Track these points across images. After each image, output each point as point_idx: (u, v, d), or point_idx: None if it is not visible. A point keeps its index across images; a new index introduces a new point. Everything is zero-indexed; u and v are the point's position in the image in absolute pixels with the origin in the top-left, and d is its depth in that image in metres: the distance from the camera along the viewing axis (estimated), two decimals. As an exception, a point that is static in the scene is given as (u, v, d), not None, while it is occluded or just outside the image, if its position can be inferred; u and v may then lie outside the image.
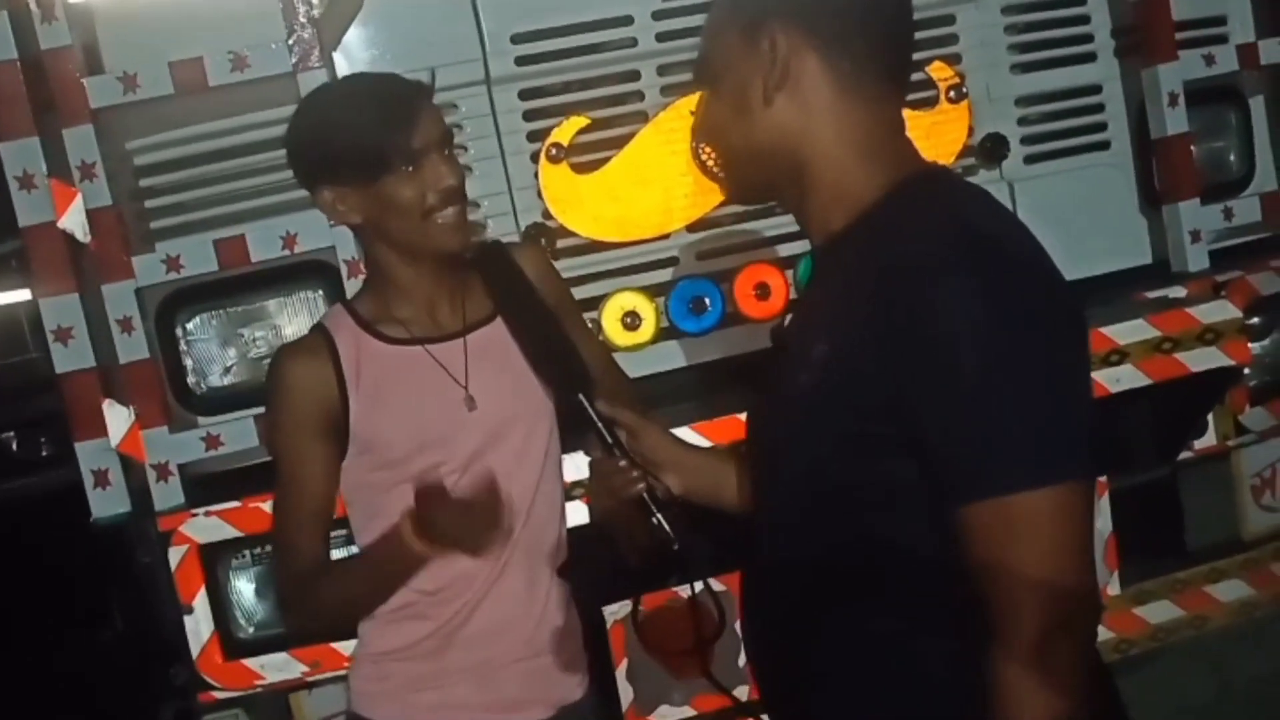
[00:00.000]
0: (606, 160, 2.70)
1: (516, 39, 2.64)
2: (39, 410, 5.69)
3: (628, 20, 2.67)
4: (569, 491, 2.09)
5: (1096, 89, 2.99)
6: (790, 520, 1.44)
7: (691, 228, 2.76)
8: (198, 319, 2.59)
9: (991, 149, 2.87)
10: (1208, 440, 2.85)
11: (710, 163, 2.60)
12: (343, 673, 2.22)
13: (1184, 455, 2.88)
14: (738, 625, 1.61)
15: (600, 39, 2.67)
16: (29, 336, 6.40)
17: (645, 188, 2.71)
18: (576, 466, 2.15)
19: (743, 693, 1.98)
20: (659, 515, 1.71)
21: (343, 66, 2.52)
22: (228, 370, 2.61)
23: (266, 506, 2.32)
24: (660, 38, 2.68)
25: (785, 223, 2.72)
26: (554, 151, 2.66)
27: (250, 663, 2.46)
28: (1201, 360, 2.69)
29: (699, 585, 1.82)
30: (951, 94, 2.81)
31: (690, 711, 2.57)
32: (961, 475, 1.26)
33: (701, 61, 1.49)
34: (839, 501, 1.36)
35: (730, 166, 1.50)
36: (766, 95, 1.39)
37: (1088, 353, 1.38)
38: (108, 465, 2.44)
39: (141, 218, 2.57)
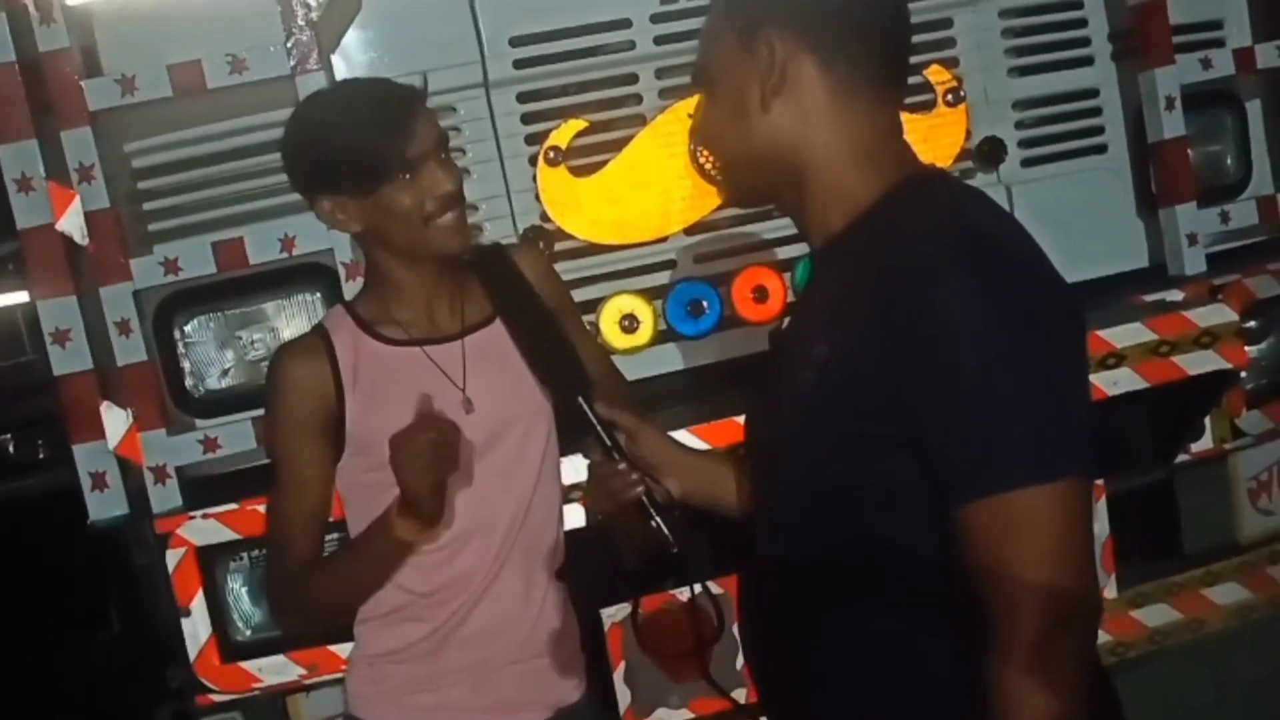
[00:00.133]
0: (605, 163, 2.70)
1: (515, 42, 2.64)
2: (36, 412, 5.70)
3: (626, 23, 2.67)
4: (567, 494, 2.09)
5: (1094, 92, 3.00)
6: (790, 520, 1.45)
7: (689, 231, 2.76)
8: (196, 321, 2.59)
9: (989, 152, 2.87)
10: (1205, 443, 2.85)
11: (708, 166, 2.60)
12: (340, 675, 2.22)
13: (1181, 458, 2.88)
14: (736, 628, 1.61)
15: (598, 42, 2.67)
16: (26, 339, 6.41)
17: (643, 191, 2.71)
18: (575, 469, 2.15)
19: (741, 695, 1.98)
20: (658, 518, 1.70)
21: (341, 69, 2.52)
22: (226, 373, 2.61)
23: (264, 509, 2.32)
24: (658, 41, 2.68)
25: (783, 226, 2.72)
26: (552, 154, 2.66)
27: (248, 665, 2.46)
28: (1198, 363, 2.69)
29: (698, 588, 1.82)
30: (949, 97, 2.82)
31: (688, 714, 2.57)
32: (961, 474, 1.27)
33: (699, 65, 1.50)
34: (839, 501, 1.37)
35: (728, 170, 1.51)
36: (764, 99, 1.39)
37: (1086, 353, 1.38)
38: (105, 467, 2.44)
39: (140, 220, 2.57)
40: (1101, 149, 3.01)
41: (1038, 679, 1.25)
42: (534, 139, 2.68)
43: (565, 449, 2.03)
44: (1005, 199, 2.84)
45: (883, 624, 1.37)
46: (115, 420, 2.44)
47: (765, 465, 1.51)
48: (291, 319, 2.59)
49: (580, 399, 1.77)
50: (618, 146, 2.70)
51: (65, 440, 2.48)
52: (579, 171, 2.69)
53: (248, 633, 2.48)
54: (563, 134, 2.67)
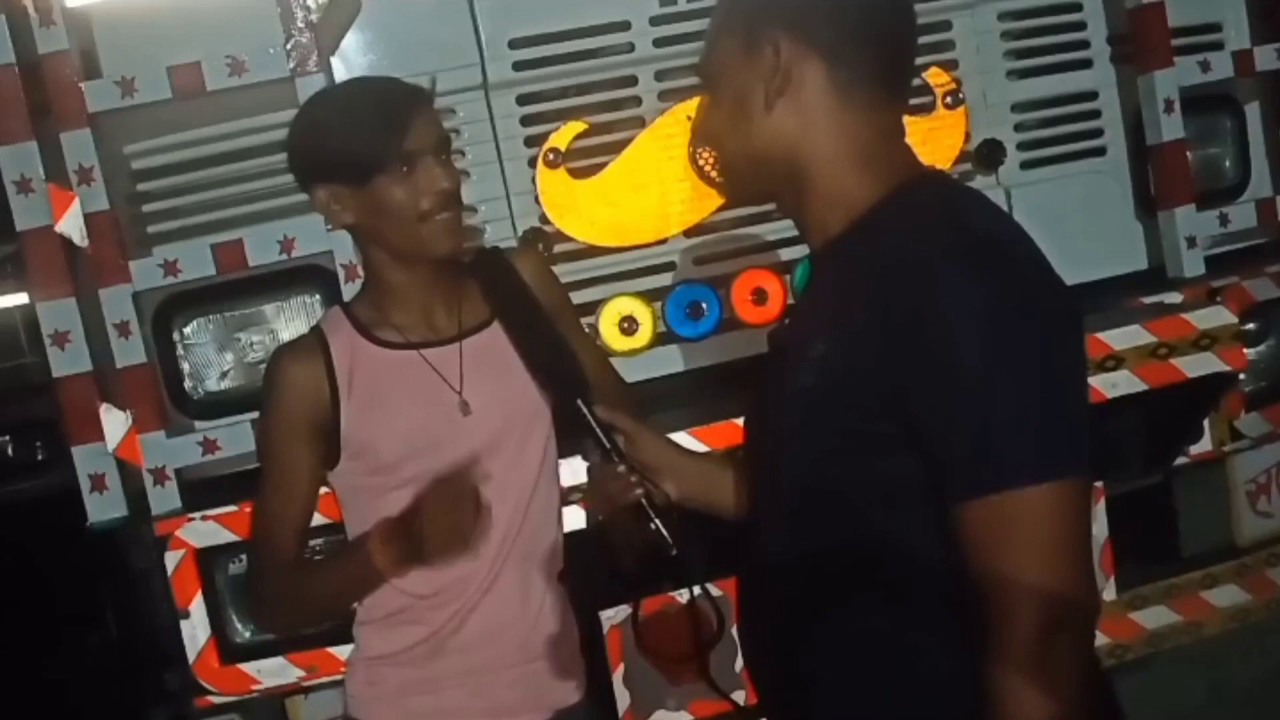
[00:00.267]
0: (604, 165, 2.70)
1: (514, 44, 2.64)
2: (35, 414, 5.69)
3: (625, 26, 2.67)
4: (566, 496, 2.09)
5: (1093, 95, 3.00)
6: (788, 519, 1.45)
7: (689, 233, 2.76)
8: (195, 323, 2.59)
9: (988, 154, 2.87)
10: (1203, 446, 2.86)
11: (709, 167, 2.61)
12: (339, 677, 2.21)
13: (1180, 461, 2.88)
14: (735, 630, 1.61)
15: (598, 44, 2.68)
16: (25, 340, 6.40)
17: (642, 193, 2.71)
18: (573, 471, 2.15)
19: (740, 697, 1.98)
20: (656, 520, 1.71)
21: (340, 71, 2.52)
22: (225, 374, 2.61)
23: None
24: (658, 43, 2.68)
25: (782, 228, 2.73)
26: (551, 156, 2.66)
27: (246, 667, 2.46)
28: (1197, 366, 2.69)
29: (697, 590, 1.82)
30: (948, 100, 2.82)
31: (687, 716, 2.57)
32: (959, 472, 1.27)
33: (703, 66, 1.50)
34: (837, 500, 1.37)
35: (730, 171, 1.51)
36: (768, 101, 1.40)
37: (1085, 353, 1.39)
38: (104, 469, 2.44)
39: (139, 222, 2.57)
40: (1100, 151, 3.01)
41: (1034, 679, 1.25)
42: (533, 141, 2.68)
43: (563, 451, 2.03)
44: (1004, 201, 2.85)
45: (881, 623, 1.38)
46: (114, 422, 2.43)
47: (764, 465, 1.52)
48: (291, 321, 2.59)
49: (579, 401, 1.77)
50: (617, 149, 2.70)
51: (63, 442, 2.48)
52: (578, 174, 2.69)
53: (247, 634, 2.48)
54: (562, 136, 2.67)
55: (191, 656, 2.43)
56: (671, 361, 2.75)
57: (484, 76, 2.64)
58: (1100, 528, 2.69)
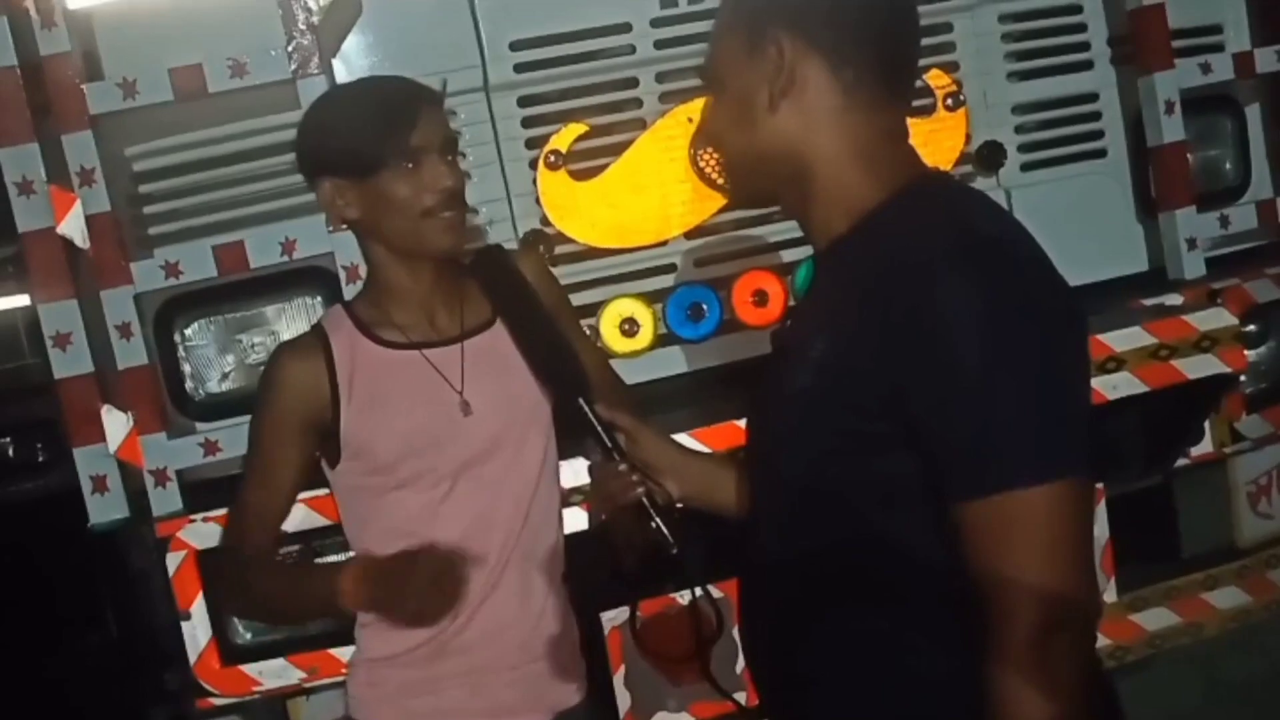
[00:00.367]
0: (605, 167, 2.70)
1: (515, 46, 2.64)
2: (36, 415, 5.69)
3: (626, 28, 2.67)
4: (567, 498, 2.09)
5: (1093, 97, 3.00)
6: (788, 519, 1.45)
7: (690, 234, 2.76)
8: (196, 325, 2.59)
9: (988, 156, 2.87)
10: (1204, 447, 2.85)
11: (710, 169, 2.61)
12: (340, 679, 2.22)
13: (1180, 462, 2.88)
14: (735, 632, 1.61)
15: (599, 46, 2.68)
16: (26, 342, 6.40)
17: (643, 194, 2.72)
18: (574, 472, 2.15)
19: (741, 698, 1.98)
20: (658, 519, 1.71)
21: (342, 73, 2.53)
22: (226, 376, 2.61)
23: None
24: (659, 45, 2.68)
25: (783, 230, 2.73)
26: (552, 158, 2.66)
27: (248, 668, 2.46)
28: (1198, 367, 2.70)
29: (698, 591, 1.82)
30: (949, 101, 2.82)
31: (688, 718, 2.57)
32: (960, 472, 1.27)
33: (707, 66, 1.50)
34: (836, 500, 1.37)
35: (734, 172, 1.51)
36: (772, 102, 1.40)
37: (1087, 352, 1.39)
38: (106, 471, 2.44)
39: (140, 223, 2.57)
40: (1101, 153, 3.01)
41: (1034, 680, 1.25)
42: (534, 143, 2.68)
43: (564, 453, 2.03)
44: (1005, 203, 2.84)
45: (879, 623, 1.38)
46: (115, 423, 2.43)
47: (764, 464, 1.52)
48: (292, 323, 2.58)
49: (581, 400, 1.78)
50: (618, 150, 2.71)
51: (64, 443, 2.48)
52: (579, 175, 2.69)
53: (248, 636, 2.48)
54: (563, 138, 2.67)
55: (192, 658, 2.42)
56: (672, 363, 2.76)
57: (485, 78, 2.64)
58: (1101, 529, 2.68)
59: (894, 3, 1.45)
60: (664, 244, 2.76)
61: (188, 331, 2.59)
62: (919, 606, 1.36)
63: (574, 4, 2.65)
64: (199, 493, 2.49)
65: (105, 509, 2.44)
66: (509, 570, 1.92)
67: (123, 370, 2.43)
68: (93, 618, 5.01)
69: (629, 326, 2.66)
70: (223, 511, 2.38)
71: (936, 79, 2.82)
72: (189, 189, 2.57)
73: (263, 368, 1.97)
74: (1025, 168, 2.95)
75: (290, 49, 2.40)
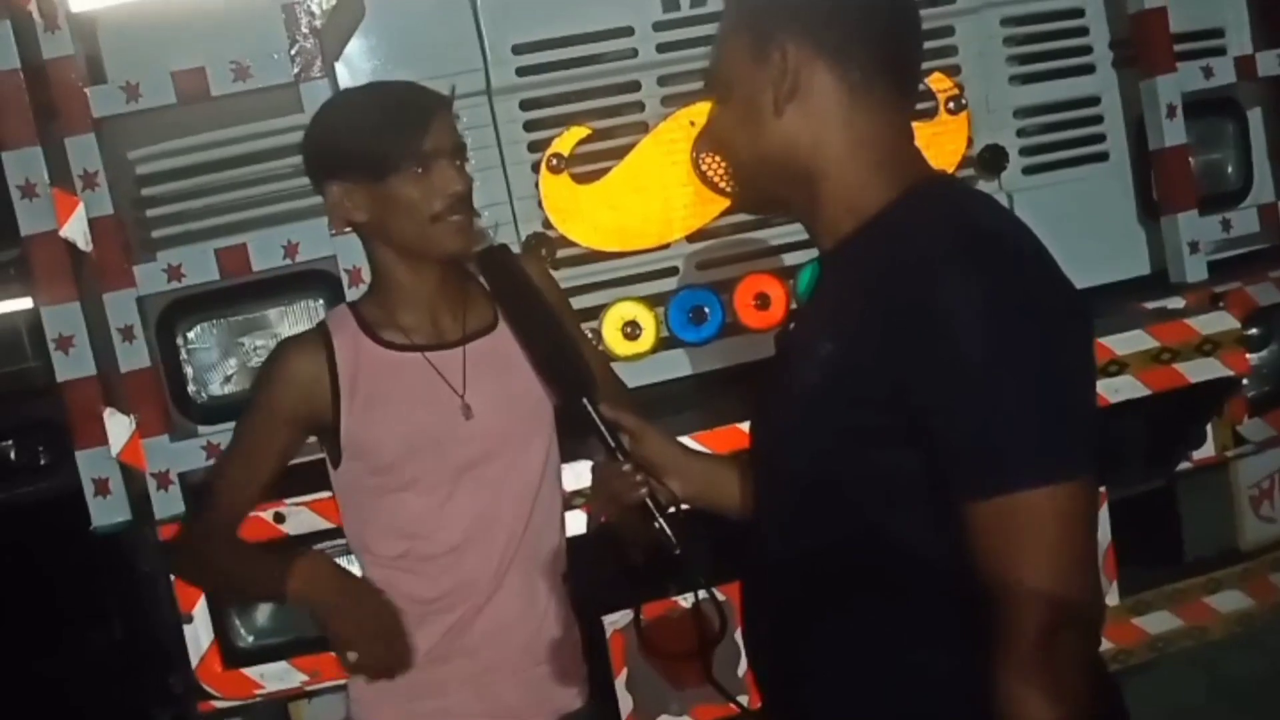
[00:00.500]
0: (607, 170, 2.70)
1: (518, 49, 2.64)
2: (38, 418, 5.70)
3: (628, 31, 2.68)
4: (569, 501, 2.09)
5: (1095, 100, 3.00)
6: (791, 517, 1.45)
7: (691, 238, 2.76)
8: (199, 328, 2.60)
9: (990, 160, 2.87)
10: (1206, 451, 2.85)
11: (712, 172, 2.61)
12: (342, 681, 2.21)
13: (1182, 466, 2.88)
14: (738, 634, 1.61)
15: (601, 50, 2.68)
16: (29, 344, 6.41)
17: (645, 198, 2.72)
18: (577, 475, 2.15)
19: (743, 701, 1.98)
20: (661, 519, 1.71)
21: (344, 76, 2.53)
22: (228, 379, 2.61)
23: (267, 516, 2.33)
24: (661, 49, 2.68)
25: (785, 233, 2.73)
26: (555, 162, 2.67)
27: (250, 672, 2.46)
28: (1200, 371, 2.69)
29: (702, 593, 1.82)
30: (951, 105, 2.82)
31: (690, 721, 2.57)
32: (965, 471, 1.27)
33: (712, 71, 1.51)
34: (839, 496, 1.37)
35: (740, 176, 1.52)
36: (777, 105, 1.40)
37: (1092, 350, 1.39)
38: (108, 474, 2.44)
39: (143, 226, 2.57)
40: (1103, 156, 3.01)
41: (1040, 680, 1.25)
42: (537, 146, 2.68)
43: (566, 456, 2.03)
44: (1006, 206, 2.84)
45: (881, 620, 1.38)
46: (118, 426, 2.44)
47: (768, 463, 1.52)
48: (294, 325, 2.58)
49: (584, 400, 1.78)
50: (620, 154, 2.71)
51: (66, 446, 2.49)
52: (581, 179, 2.69)
53: (250, 639, 2.48)
54: (565, 141, 2.67)
55: (194, 661, 2.43)
56: (674, 366, 2.76)
57: (487, 82, 2.64)
58: (1103, 532, 2.68)
59: (896, 3, 1.46)
60: (666, 247, 2.76)
61: (190, 334, 2.59)
62: (921, 604, 1.36)
63: (576, 7, 2.66)
64: (202, 495, 2.49)
65: (107, 512, 2.44)
66: (512, 571, 1.93)
67: (125, 373, 2.43)
68: (95, 621, 5.01)
69: (631, 330, 2.67)
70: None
71: (938, 82, 2.82)
72: (192, 192, 2.57)
73: (265, 359, 1.99)
74: (1027, 171, 2.94)
75: (293, 52, 2.40)
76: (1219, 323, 2.71)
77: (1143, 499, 2.93)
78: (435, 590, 1.91)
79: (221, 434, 2.47)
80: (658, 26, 2.68)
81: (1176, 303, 2.81)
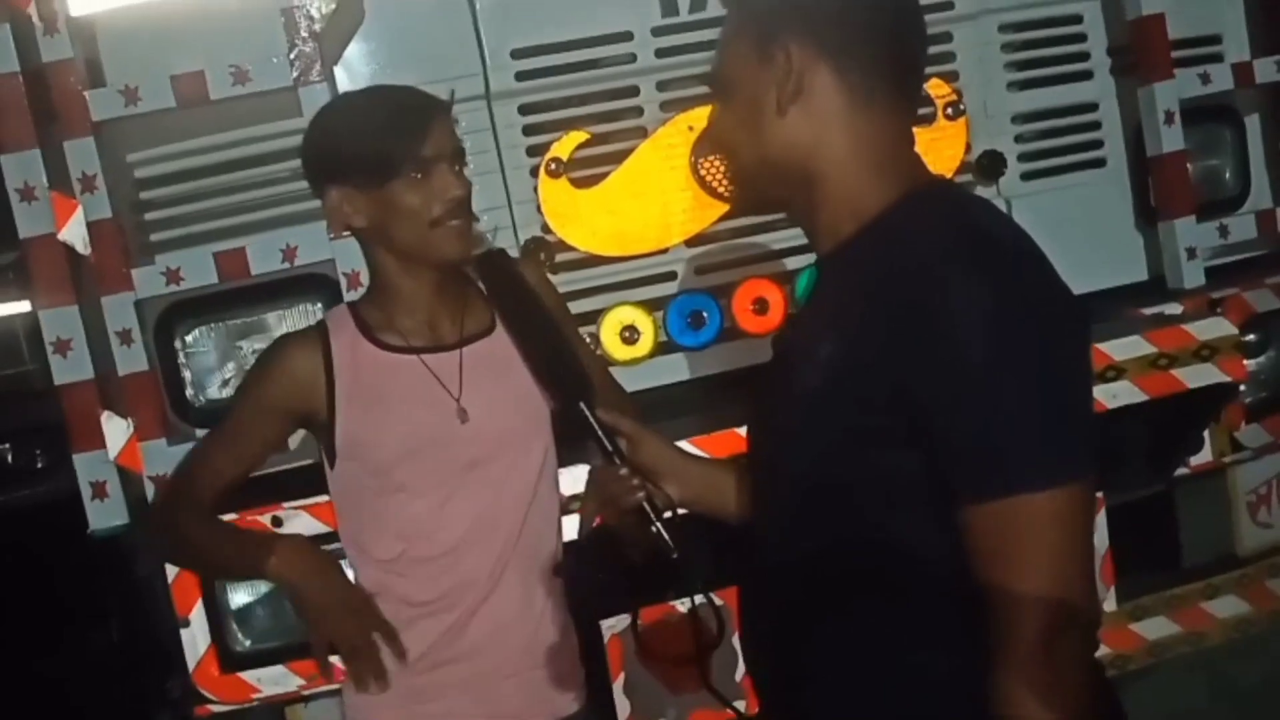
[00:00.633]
0: (606, 175, 2.70)
1: (516, 54, 2.65)
2: (35, 421, 5.70)
3: (627, 36, 2.68)
4: (567, 505, 2.09)
5: (1093, 106, 3.01)
6: (791, 519, 1.45)
7: (690, 242, 2.77)
8: (197, 331, 2.59)
9: (989, 166, 2.88)
10: (1204, 456, 2.85)
11: (711, 176, 2.61)
12: (339, 685, 2.21)
13: (1180, 471, 2.88)
14: (736, 639, 1.61)
15: (600, 54, 2.68)
16: (26, 348, 6.41)
17: (644, 202, 2.72)
18: (574, 480, 2.15)
19: (740, 707, 1.98)
20: (658, 523, 1.71)
21: (344, 80, 2.53)
22: (227, 383, 2.61)
23: (265, 519, 2.33)
24: (660, 54, 2.69)
25: (784, 238, 2.74)
26: (553, 166, 2.67)
27: (247, 675, 2.45)
28: (1198, 377, 2.70)
29: (700, 598, 1.82)
30: (949, 111, 2.83)
31: (687, 726, 2.57)
32: (965, 473, 1.27)
33: (715, 73, 1.51)
34: (839, 498, 1.37)
35: (741, 177, 1.52)
36: (780, 107, 1.40)
37: (1090, 353, 1.39)
38: (106, 477, 2.44)
39: (142, 230, 2.57)
40: (1101, 163, 3.02)
41: (1039, 683, 1.25)
42: (535, 150, 2.69)
43: (564, 460, 2.03)
44: (1005, 212, 2.85)
45: (881, 622, 1.38)
46: (116, 430, 2.44)
47: (768, 466, 1.52)
48: (293, 329, 2.58)
49: (582, 404, 1.78)
50: (619, 158, 2.71)
51: (63, 449, 2.48)
52: (580, 183, 2.69)
53: (247, 643, 2.48)
54: (564, 146, 2.68)
55: (191, 665, 2.43)
56: (673, 371, 2.76)
57: (486, 86, 2.64)
58: (1101, 538, 2.68)
59: (900, 6, 1.46)
60: (664, 252, 2.76)
61: (188, 338, 2.59)
62: (921, 605, 1.36)
63: (575, 12, 2.66)
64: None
65: (105, 515, 2.44)
66: (509, 573, 1.93)
67: (123, 376, 2.43)
68: (92, 625, 5.01)
69: (629, 334, 2.67)
70: (226, 516, 2.39)
71: (937, 88, 2.82)
72: (190, 195, 2.58)
73: (261, 353, 2.01)
74: (1025, 177, 2.95)
75: (292, 56, 2.40)
76: (1217, 328, 2.72)
77: (1141, 504, 2.92)
78: (431, 592, 1.91)
79: (219, 437, 2.48)
80: (657, 32, 2.68)
81: (1174, 308, 2.82)
